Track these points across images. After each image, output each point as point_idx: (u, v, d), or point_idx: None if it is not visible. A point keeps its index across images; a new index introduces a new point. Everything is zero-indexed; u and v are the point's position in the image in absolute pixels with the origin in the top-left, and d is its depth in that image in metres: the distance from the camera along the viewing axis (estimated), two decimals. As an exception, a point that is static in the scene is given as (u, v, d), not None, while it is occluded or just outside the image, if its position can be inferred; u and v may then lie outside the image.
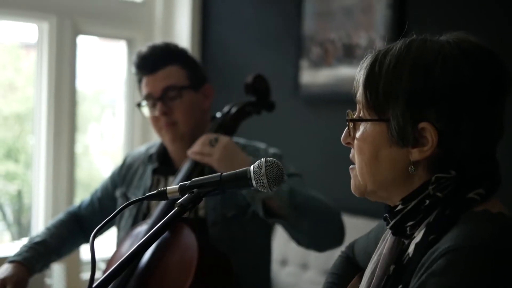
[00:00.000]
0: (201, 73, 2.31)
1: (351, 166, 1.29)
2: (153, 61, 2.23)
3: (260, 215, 2.03)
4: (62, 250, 2.34)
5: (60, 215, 2.44)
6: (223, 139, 2.09)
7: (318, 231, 2.09)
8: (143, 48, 2.30)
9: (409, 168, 1.19)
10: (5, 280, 2.04)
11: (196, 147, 2.10)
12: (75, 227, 2.39)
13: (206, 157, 2.06)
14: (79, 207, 2.45)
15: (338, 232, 2.11)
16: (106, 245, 3.54)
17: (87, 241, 2.44)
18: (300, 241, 2.12)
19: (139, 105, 2.28)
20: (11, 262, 2.13)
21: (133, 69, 2.29)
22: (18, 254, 2.16)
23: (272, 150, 2.24)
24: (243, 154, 2.05)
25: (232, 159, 2.02)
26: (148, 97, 2.24)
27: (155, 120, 2.24)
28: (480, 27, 2.87)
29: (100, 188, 2.45)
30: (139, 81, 2.28)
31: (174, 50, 2.28)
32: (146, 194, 1.35)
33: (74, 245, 2.42)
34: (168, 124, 2.21)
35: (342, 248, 1.68)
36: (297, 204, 2.00)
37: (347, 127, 1.28)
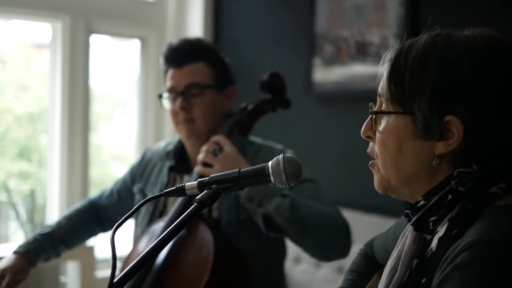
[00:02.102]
0: (227, 75, 2.30)
1: (371, 162, 1.28)
2: (181, 55, 2.23)
3: (261, 229, 2.02)
4: (73, 241, 2.37)
5: (79, 203, 2.49)
6: (227, 148, 2.07)
7: (320, 245, 2.06)
8: (174, 40, 2.30)
9: (434, 161, 1.19)
10: (4, 270, 2.09)
11: (200, 155, 2.10)
12: (90, 216, 2.43)
13: (207, 169, 2.05)
14: (100, 196, 2.49)
15: (343, 245, 2.08)
16: (123, 241, 3.55)
17: (102, 230, 2.48)
18: (304, 251, 2.11)
19: (160, 96, 2.28)
20: (14, 253, 2.17)
21: (161, 60, 2.29)
22: (22, 246, 2.20)
23: (288, 152, 2.23)
24: (246, 165, 2.02)
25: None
26: (171, 90, 2.24)
27: (174, 114, 2.24)
28: (493, 24, 2.86)
29: (120, 180, 2.48)
30: (165, 72, 2.28)
31: (204, 47, 2.28)
32: (165, 191, 1.34)
33: (89, 234, 2.45)
34: (185, 120, 2.21)
35: (357, 249, 1.67)
36: (299, 220, 1.97)
37: (367, 120, 1.27)
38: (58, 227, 2.33)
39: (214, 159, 2.05)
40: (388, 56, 1.25)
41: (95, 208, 2.45)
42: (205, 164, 2.08)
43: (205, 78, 2.22)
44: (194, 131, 2.22)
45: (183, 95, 2.20)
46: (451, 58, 1.17)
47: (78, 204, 2.48)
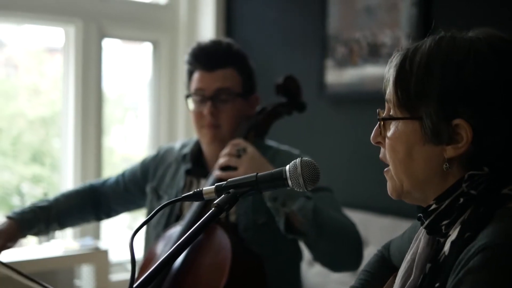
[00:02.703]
0: (253, 82, 2.28)
1: (386, 169, 1.28)
2: (213, 58, 2.20)
3: (280, 229, 2.02)
4: (66, 221, 2.33)
5: (80, 185, 2.46)
6: (250, 150, 2.06)
7: (334, 253, 2.06)
8: (205, 41, 2.27)
9: (444, 165, 1.18)
10: None
11: (221, 159, 2.08)
12: (88, 201, 2.39)
13: (231, 172, 2.03)
14: (104, 182, 2.45)
15: (355, 257, 2.07)
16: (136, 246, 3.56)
17: (96, 218, 2.44)
18: (315, 258, 2.10)
19: (188, 96, 2.24)
20: (8, 218, 2.15)
21: (189, 58, 2.25)
22: (17, 213, 2.17)
23: (306, 158, 2.22)
24: (270, 166, 2.02)
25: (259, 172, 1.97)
26: (198, 92, 2.21)
27: (198, 116, 2.21)
28: (507, 23, 2.85)
29: (129, 171, 2.45)
30: (191, 72, 2.24)
31: (236, 53, 2.26)
32: (183, 195, 1.34)
33: (81, 218, 2.40)
34: (212, 125, 2.18)
35: (372, 252, 1.67)
36: (320, 223, 1.97)
37: (376, 126, 1.27)
38: (56, 203, 2.29)
39: (238, 161, 2.04)
40: (393, 62, 1.24)
41: (95, 193, 2.41)
42: (225, 168, 2.07)
43: (234, 85, 2.20)
44: (218, 137, 2.19)
45: (212, 99, 2.18)
46: (455, 61, 1.16)
47: (79, 185, 2.45)
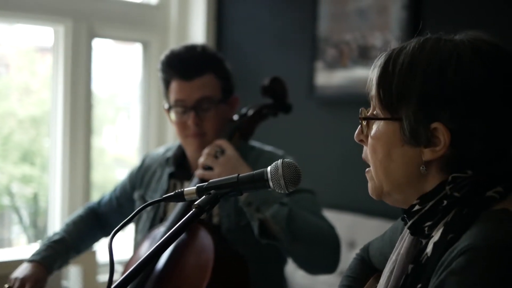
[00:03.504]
0: (231, 84, 2.27)
1: (367, 169, 1.29)
2: (191, 67, 2.17)
3: (255, 234, 2.01)
4: (81, 246, 2.36)
5: (80, 210, 2.46)
6: (228, 152, 2.06)
7: (310, 258, 2.07)
8: (178, 47, 2.24)
9: (421, 168, 1.19)
10: (24, 279, 2.06)
11: (201, 158, 2.09)
12: (93, 223, 2.42)
13: (207, 172, 2.04)
14: (99, 203, 2.47)
15: (331, 262, 2.08)
16: (123, 247, 3.55)
17: (105, 236, 2.46)
18: (292, 260, 2.10)
19: (170, 108, 2.22)
20: (30, 261, 2.15)
21: (163, 67, 2.22)
22: (36, 254, 2.18)
23: (288, 159, 2.22)
24: (247, 168, 2.01)
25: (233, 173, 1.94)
26: (179, 103, 2.19)
27: (182, 126, 2.20)
28: (496, 27, 2.86)
29: (119, 187, 2.46)
30: (168, 82, 2.22)
31: (212, 57, 2.23)
32: (164, 196, 1.34)
33: (93, 240, 2.44)
34: (197, 134, 2.18)
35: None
36: (293, 230, 1.97)
37: (360, 125, 1.28)
38: (68, 233, 2.31)
39: (215, 162, 2.05)
40: (378, 62, 1.25)
41: (96, 214, 2.44)
42: (206, 168, 2.07)
43: (215, 91, 2.19)
44: (204, 144, 2.17)
45: (195, 109, 2.16)
46: (437, 65, 1.17)
47: (79, 211, 2.47)
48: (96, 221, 2.42)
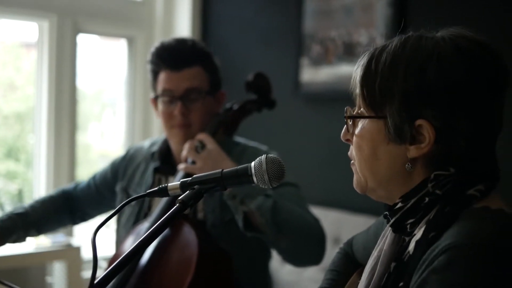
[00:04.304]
0: (219, 79, 2.27)
1: (352, 162, 1.29)
2: (180, 58, 2.18)
3: (239, 227, 2.02)
4: (44, 226, 2.31)
5: (52, 191, 2.44)
6: (210, 146, 2.07)
7: (295, 250, 2.06)
8: (168, 40, 2.25)
9: (406, 165, 1.19)
10: None
11: (183, 152, 2.09)
12: (63, 205, 2.38)
13: (190, 166, 2.04)
14: (75, 187, 2.43)
15: (316, 253, 2.08)
16: (106, 243, 3.54)
17: (72, 222, 2.43)
18: (278, 253, 2.11)
19: (156, 98, 2.23)
20: None
21: (152, 58, 2.23)
22: None
23: (272, 154, 2.22)
24: (229, 162, 2.02)
25: (215, 168, 1.92)
26: (166, 93, 2.19)
27: (168, 116, 2.20)
28: (481, 24, 2.87)
29: (99, 174, 2.44)
30: (156, 72, 2.22)
31: (201, 50, 2.24)
32: (148, 191, 1.34)
33: (58, 223, 2.39)
34: (182, 125, 2.18)
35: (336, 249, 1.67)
36: (278, 222, 1.97)
37: (346, 124, 1.28)
38: (32, 209, 2.27)
39: (196, 156, 2.05)
40: (361, 61, 1.26)
41: (68, 198, 2.40)
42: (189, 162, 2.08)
43: (202, 83, 2.19)
44: (188, 136, 2.17)
45: (182, 100, 2.16)
46: (418, 62, 1.17)
47: (52, 191, 2.44)
48: (66, 205, 2.39)
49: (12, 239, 2.17)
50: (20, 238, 2.22)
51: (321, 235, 2.06)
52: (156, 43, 2.27)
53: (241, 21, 4.22)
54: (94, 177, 2.44)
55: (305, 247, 2.05)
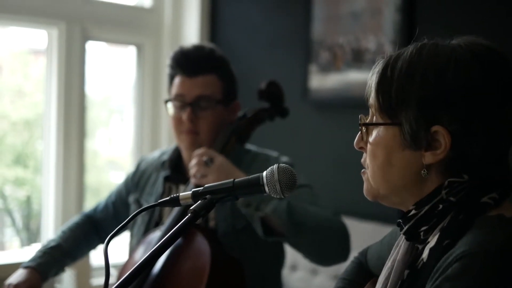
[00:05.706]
0: (235, 89, 2.27)
1: (363, 170, 1.29)
2: (195, 64, 2.19)
3: (259, 235, 2.01)
4: (77, 253, 2.35)
5: (76, 217, 2.45)
6: (218, 159, 2.06)
7: (319, 248, 2.06)
8: (187, 46, 2.26)
9: (422, 171, 1.19)
10: (18, 286, 2.05)
11: (192, 168, 2.09)
12: (90, 230, 2.40)
13: (202, 178, 2.04)
14: (95, 209, 2.46)
15: (340, 249, 2.07)
16: (118, 251, 3.54)
17: (102, 242, 2.45)
18: (304, 256, 2.10)
19: (167, 101, 2.23)
20: (25, 267, 2.14)
21: (170, 62, 2.24)
22: (32, 260, 2.17)
23: (283, 159, 2.22)
24: (239, 173, 2.02)
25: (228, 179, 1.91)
26: (178, 98, 2.20)
27: (177, 121, 2.20)
28: (490, 31, 2.87)
29: (115, 192, 2.45)
30: (172, 76, 2.23)
31: (218, 58, 2.25)
32: (159, 201, 1.34)
33: (89, 247, 2.42)
34: (190, 131, 2.18)
35: (352, 256, 1.67)
36: (297, 221, 1.97)
37: (360, 132, 1.28)
38: (64, 240, 2.30)
39: (207, 169, 2.04)
40: (376, 68, 1.26)
41: (92, 221, 2.43)
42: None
43: (215, 92, 2.19)
44: (196, 143, 2.18)
45: (192, 106, 2.17)
46: (436, 69, 1.17)
47: (74, 218, 2.45)
48: (92, 228, 2.41)
49: (52, 273, 2.21)
50: (60, 270, 2.26)
51: (342, 229, 2.05)
52: (176, 48, 2.28)
53: (249, 28, 4.22)
54: (110, 196, 2.46)
55: (328, 243, 2.04)
